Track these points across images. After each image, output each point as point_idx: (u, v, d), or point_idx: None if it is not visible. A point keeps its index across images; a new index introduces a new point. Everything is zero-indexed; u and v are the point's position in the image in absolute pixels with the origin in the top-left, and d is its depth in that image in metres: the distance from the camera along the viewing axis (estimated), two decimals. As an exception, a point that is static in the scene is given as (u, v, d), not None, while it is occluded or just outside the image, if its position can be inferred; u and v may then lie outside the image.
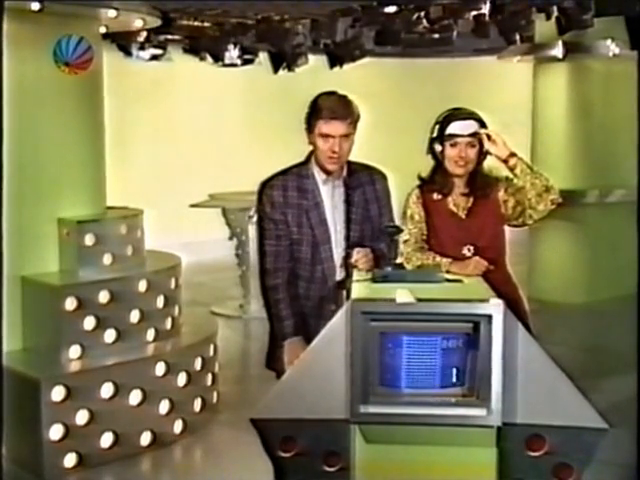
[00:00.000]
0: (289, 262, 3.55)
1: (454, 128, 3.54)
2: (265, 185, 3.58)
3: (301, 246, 3.54)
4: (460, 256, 3.54)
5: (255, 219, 3.67)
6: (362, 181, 3.61)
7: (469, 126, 3.54)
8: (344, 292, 3.46)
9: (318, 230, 3.53)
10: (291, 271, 3.56)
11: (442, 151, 3.59)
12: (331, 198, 3.57)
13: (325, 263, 3.55)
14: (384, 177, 3.70)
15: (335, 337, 2.55)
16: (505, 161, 3.51)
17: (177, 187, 10.72)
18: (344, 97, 3.51)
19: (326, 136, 3.44)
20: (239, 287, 8.69)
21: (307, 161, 3.59)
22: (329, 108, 3.44)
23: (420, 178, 3.72)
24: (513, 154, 3.50)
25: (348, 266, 3.43)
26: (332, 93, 3.53)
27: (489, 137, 3.51)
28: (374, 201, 3.61)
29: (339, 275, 3.54)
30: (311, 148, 3.57)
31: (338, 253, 3.55)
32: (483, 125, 3.57)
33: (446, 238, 3.60)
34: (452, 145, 3.55)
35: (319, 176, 3.56)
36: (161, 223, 8.26)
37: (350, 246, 3.51)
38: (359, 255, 3.38)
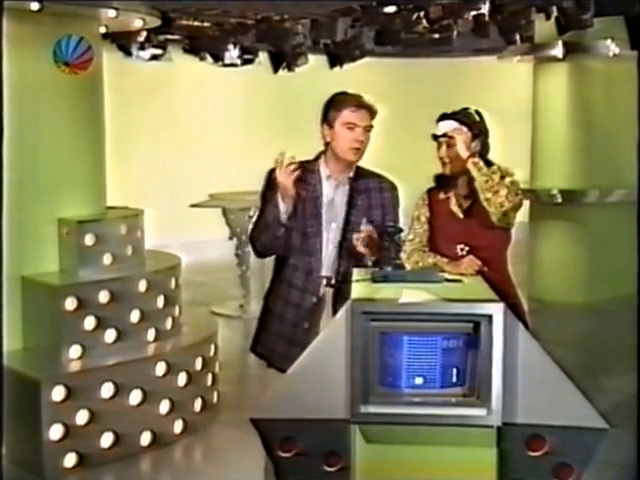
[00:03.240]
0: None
1: (436, 129, 3.66)
2: (272, 171, 3.64)
3: (291, 233, 3.58)
4: (455, 255, 3.58)
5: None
6: (370, 187, 3.66)
7: (445, 126, 3.64)
8: (327, 286, 3.57)
9: (310, 222, 3.58)
10: (281, 255, 3.65)
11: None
12: (332, 195, 3.62)
13: (313, 255, 3.59)
14: (394, 187, 3.73)
15: (335, 337, 2.55)
16: (465, 162, 3.56)
17: (177, 187, 10.72)
18: (357, 94, 3.63)
19: (352, 125, 3.52)
20: (239, 287, 8.69)
21: (316, 159, 3.67)
22: (355, 98, 3.56)
23: (434, 179, 3.79)
24: (473, 155, 3.56)
25: (352, 250, 3.45)
26: (345, 92, 3.64)
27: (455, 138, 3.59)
28: (379, 207, 3.64)
29: (325, 271, 3.59)
30: (321, 149, 3.65)
31: (328, 250, 3.60)
32: (464, 124, 3.61)
33: (443, 238, 3.67)
34: (438, 146, 3.66)
35: (324, 172, 3.62)
36: (161, 223, 8.26)
37: (344, 247, 3.57)
38: (364, 234, 3.39)
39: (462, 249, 3.59)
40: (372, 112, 3.56)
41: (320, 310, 3.58)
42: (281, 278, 3.69)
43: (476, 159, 3.55)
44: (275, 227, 3.52)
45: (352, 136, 3.52)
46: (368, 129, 3.56)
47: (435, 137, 3.65)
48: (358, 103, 3.53)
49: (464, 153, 3.55)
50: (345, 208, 3.61)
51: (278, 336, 3.66)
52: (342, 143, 3.55)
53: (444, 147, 3.63)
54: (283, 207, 3.48)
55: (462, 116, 3.65)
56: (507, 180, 3.52)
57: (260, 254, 3.73)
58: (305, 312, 3.59)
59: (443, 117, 3.66)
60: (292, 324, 3.61)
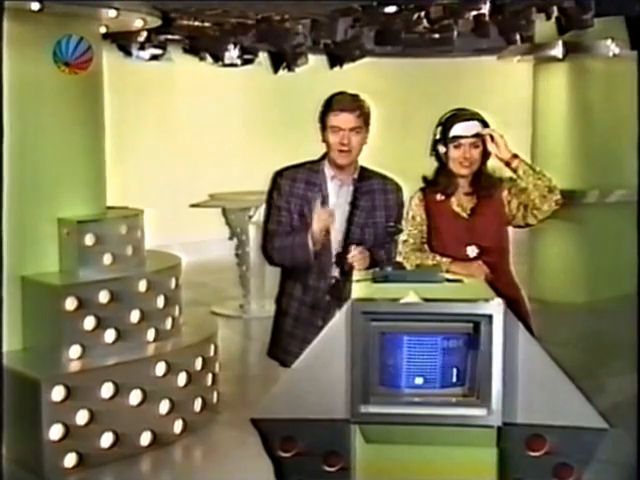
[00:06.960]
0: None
1: (458, 130, 3.55)
2: (277, 174, 3.71)
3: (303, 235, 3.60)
4: (464, 257, 3.54)
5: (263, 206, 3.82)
6: (373, 188, 3.67)
7: (472, 127, 3.56)
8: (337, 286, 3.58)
9: None
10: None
11: (446, 152, 3.59)
12: (336, 195, 3.64)
13: (324, 255, 3.60)
14: (398, 188, 3.75)
15: (335, 337, 2.55)
16: (507, 163, 3.51)
17: (177, 187, 10.72)
18: (354, 94, 3.64)
19: (336, 129, 3.55)
20: (239, 287, 8.70)
21: (321, 159, 3.69)
22: (338, 102, 3.58)
23: (425, 180, 3.72)
24: (515, 156, 3.51)
25: (344, 262, 3.51)
26: (343, 92, 3.66)
27: (492, 138, 3.52)
28: (382, 208, 3.65)
29: (334, 271, 3.61)
30: (325, 150, 3.66)
31: (335, 249, 3.62)
32: (486, 125, 3.58)
33: (449, 239, 3.60)
34: (456, 147, 3.56)
35: (328, 172, 3.65)
36: (161, 223, 8.26)
37: (348, 246, 3.56)
38: (356, 251, 3.45)
39: (473, 250, 3.57)
40: (360, 112, 3.56)
41: (333, 308, 3.59)
42: (294, 279, 3.71)
43: (521, 158, 3.51)
44: (305, 261, 3.57)
45: (337, 139, 3.56)
46: (356, 131, 3.56)
47: (455, 138, 3.55)
48: (340, 107, 3.55)
49: (506, 154, 3.50)
50: (348, 209, 3.62)
51: (293, 337, 3.68)
52: (330, 146, 3.60)
53: (469, 148, 3.54)
54: (312, 247, 3.53)
55: (479, 116, 3.59)
56: (552, 183, 3.50)
57: (276, 265, 3.75)
58: (320, 311, 3.61)
59: (464, 118, 3.57)
60: (307, 323, 3.63)
